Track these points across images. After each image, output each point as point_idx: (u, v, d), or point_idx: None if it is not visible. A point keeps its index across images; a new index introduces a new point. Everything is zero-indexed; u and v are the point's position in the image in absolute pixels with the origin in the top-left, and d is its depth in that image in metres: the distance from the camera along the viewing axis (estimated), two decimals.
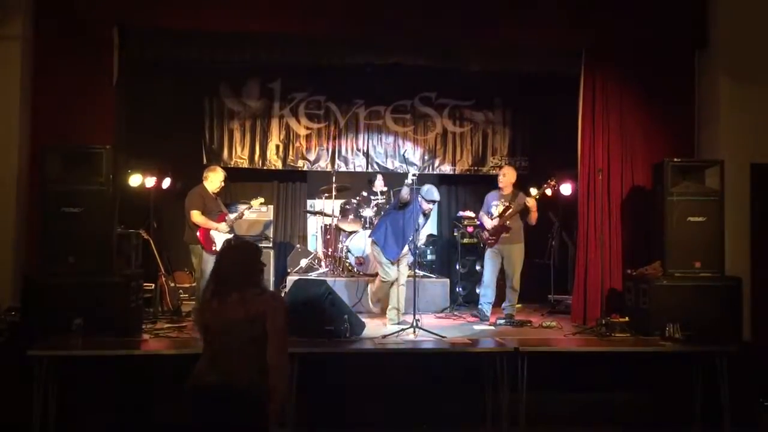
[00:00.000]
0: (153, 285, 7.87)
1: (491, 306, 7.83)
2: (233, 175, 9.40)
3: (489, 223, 7.79)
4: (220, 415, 3.33)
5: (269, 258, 9.40)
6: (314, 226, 10.46)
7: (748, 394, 6.10)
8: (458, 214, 10.00)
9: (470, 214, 9.73)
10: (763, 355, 6.43)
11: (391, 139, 10.38)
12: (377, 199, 9.39)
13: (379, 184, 9.67)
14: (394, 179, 9.60)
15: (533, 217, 7.62)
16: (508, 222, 7.63)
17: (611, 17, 7.57)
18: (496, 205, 7.82)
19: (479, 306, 7.89)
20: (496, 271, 7.81)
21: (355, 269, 8.96)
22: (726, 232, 6.94)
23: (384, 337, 6.38)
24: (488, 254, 7.83)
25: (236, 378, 3.35)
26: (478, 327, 7.48)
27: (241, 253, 3.60)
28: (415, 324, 6.56)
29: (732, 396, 5.89)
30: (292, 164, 10.25)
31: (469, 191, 10.75)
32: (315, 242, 10.22)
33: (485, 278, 7.87)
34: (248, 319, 3.39)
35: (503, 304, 7.84)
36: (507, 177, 7.91)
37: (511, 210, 7.62)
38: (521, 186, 7.98)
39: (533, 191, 7.73)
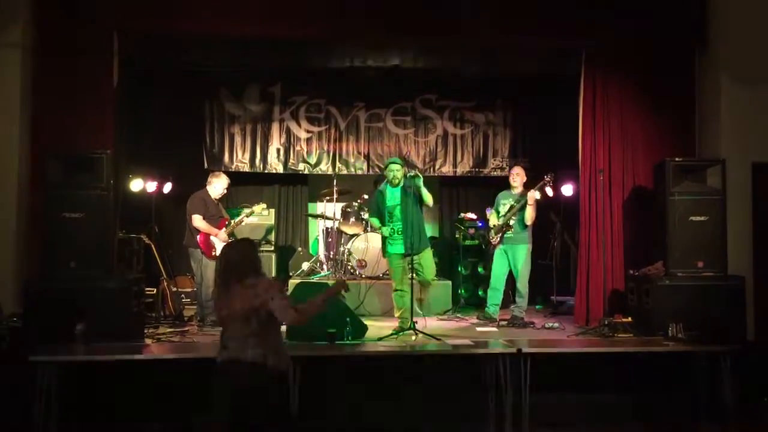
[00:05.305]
0: (155, 290, 7.89)
1: (498, 308, 7.81)
2: (234, 179, 9.37)
3: (494, 221, 7.82)
4: (231, 386, 3.81)
5: (271, 262, 9.40)
6: (316, 229, 10.45)
7: (752, 393, 6.08)
8: (459, 216, 10.00)
9: (472, 215, 9.73)
10: (767, 353, 6.41)
11: (392, 141, 10.38)
12: None
13: None
14: None
15: (530, 215, 7.59)
16: (511, 221, 7.62)
17: (611, 17, 7.55)
18: (504, 204, 7.82)
19: (486, 308, 7.87)
20: (504, 272, 7.79)
21: (357, 272, 8.95)
22: (728, 231, 6.92)
23: (384, 338, 6.39)
24: (495, 255, 7.83)
25: (243, 355, 3.80)
26: (480, 329, 7.47)
27: (238, 248, 4.10)
28: (413, 326, 6.57)
29: (736, 395, 5.88)
30: (293, 168, 10.25)
31: (470, 193, 10.74)
32: (317, 245, 10.21)
33: (492, 279, 7.86)
34: (250, 309, 3.80)
35: (511, 306, 7.82)
36: (519, 176, 7.90)
37: (514, 208, 7.62)
38: (525, 188, 7.95)
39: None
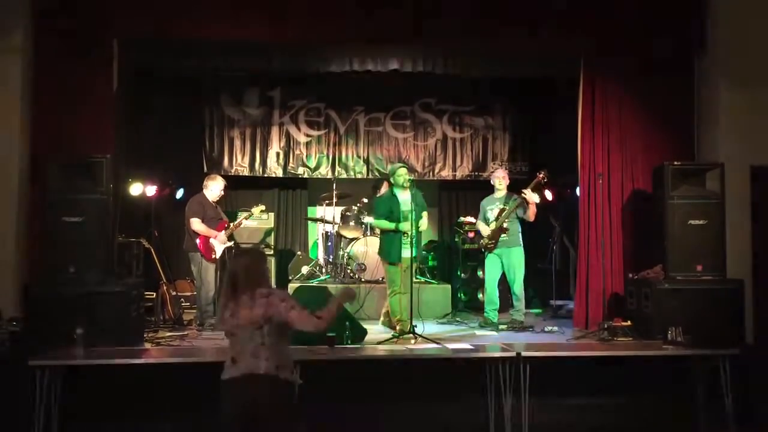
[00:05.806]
0: (154, 294, 7.88)
1: (497, 312, 7.79)
2: (234, 183, 9.42)
3: (486, 230, 7.77)
4: (246, 401, 3.75)
5: (270, 265, 9.40)
6: (315, 233, 10.46)
7: (752, 397, 6.08)
8: (459, 220, 9.99)
9: (471, 219, 9.71)
10: (766, 357, 6.41)
11: (391, 145, 10.40)
12: None
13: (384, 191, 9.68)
14: None
15: (531, 212, 7.59)
16: (504, 224, 7.61)
17: (610, 22, 7.57)
18: (491, 209, 7.81)
19: (485, 314, 7.83)
20: (498, 275, 7.78)
21: (357, 276, 8.96)
22: (727, 235, 6.93)
23: (383, 342, 6.40)
24: (488, 259, 7.80)
25: (255, 368, 3.76)
26: (479, 333, 7.46)
27: (249, 259, 4.06)
28: (413, 330, 6.58)
29: (735, 399, 5.88)
30: (292, 172, 10.27)
31: (470, 197, 10.70)
32: (316, 249, 10.22)
33: (487, 285, 7.82)
34: (261, 319, 3.79)
35: (510, 310, 7.81)
36: (504, 179, 7.90)
37: (505, 211, 7.61)
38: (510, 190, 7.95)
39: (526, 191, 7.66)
